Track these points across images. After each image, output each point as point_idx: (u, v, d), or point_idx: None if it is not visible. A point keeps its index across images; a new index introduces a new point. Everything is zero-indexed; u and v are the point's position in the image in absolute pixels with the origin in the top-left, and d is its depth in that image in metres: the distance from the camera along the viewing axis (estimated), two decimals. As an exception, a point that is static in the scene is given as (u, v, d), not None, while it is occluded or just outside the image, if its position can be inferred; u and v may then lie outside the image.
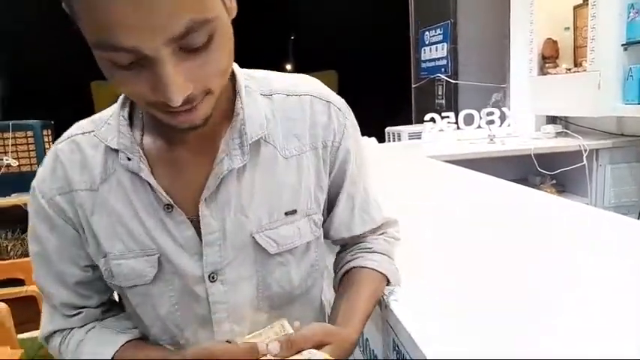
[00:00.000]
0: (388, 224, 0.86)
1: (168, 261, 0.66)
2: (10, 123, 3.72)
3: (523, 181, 2.89)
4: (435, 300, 0.83)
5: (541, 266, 0.96)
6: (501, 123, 3.25)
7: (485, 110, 3.23)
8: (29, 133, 3.75)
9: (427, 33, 4.57)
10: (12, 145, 3.72)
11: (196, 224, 0.66)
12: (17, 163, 3.72)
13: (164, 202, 0.64)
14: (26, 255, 3.96)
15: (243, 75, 0.69)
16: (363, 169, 0.79)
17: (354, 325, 0.69)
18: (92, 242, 0.67)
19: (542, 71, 3.16)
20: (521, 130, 3.30)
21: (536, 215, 1.38)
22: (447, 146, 3.05)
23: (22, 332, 2.14)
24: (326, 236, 0.81)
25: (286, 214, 0.69)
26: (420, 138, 3.43)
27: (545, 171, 2.91)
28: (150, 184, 0.64)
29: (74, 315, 0.73)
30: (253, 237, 0.67)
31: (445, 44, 4.25)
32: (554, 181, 2.98)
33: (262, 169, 0.68)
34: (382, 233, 0.84)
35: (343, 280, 0.80)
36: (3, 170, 3.69)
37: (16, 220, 4.08)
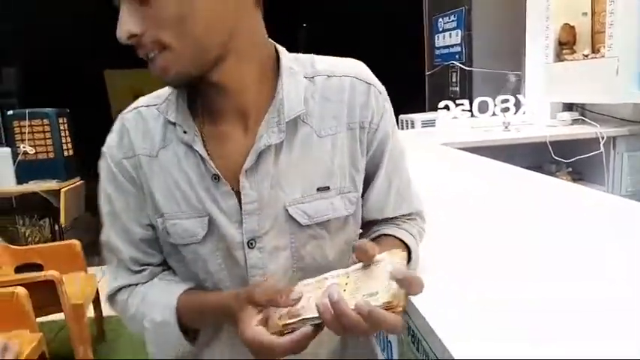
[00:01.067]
0: (421, 218, 0.87)
1: (215, 224, 0.72)
2: (27, 111, 3.76)
3: (538, 169, 2.86)
4: (452, 286, 0.82)
5: (558, 254, 0.95)
6: (516, 110, 3.21)
7: (500, 97, 3.20)
8: (45, 121, 3.79)
9: (441, 20, 4.52)
10: (28, 132, 3.76)
11: (238, 195, 0.72)
12: (34, 151, 3.77)
13: (212, 173, 0.71)
14: (44, 241, 4.03)
15: (290, 58, 0.74)
16: (402, 155, 0.81)
17: None
18: (150, 203, 0.75)
19: (559, 57, 3.11)
20: (536, 118, 3.26)
21: (553, 203, 1.37)
22: (461, 134, 3.03)
23: (41, 316, 2.17)
24: (363, 220, 0.82)
25: (319, 189, 0.73)
26: (433, 126, 3.41)
27: (561, 159, 2.88)
28: (201, 156, 0.71)
29: (139, 271, 0.79)
30: (287, 209, 0.72)
31: (459, 31, 4.19)
32: (569, 169, 2.95)
33: (298, 147, 0.72)
34: (411, 220, 0.84)
35: None
36: (20, 157, 3.75)
37: (34, 207, 4.15)
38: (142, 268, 0.79)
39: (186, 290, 0.76)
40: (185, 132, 0.71)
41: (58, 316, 2.37)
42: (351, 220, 0.78)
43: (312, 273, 0.68)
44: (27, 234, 4.29)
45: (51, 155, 3.83)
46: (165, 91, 0.76)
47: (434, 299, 0.75)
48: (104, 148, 0.77)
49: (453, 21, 4.29)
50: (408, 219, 0.84)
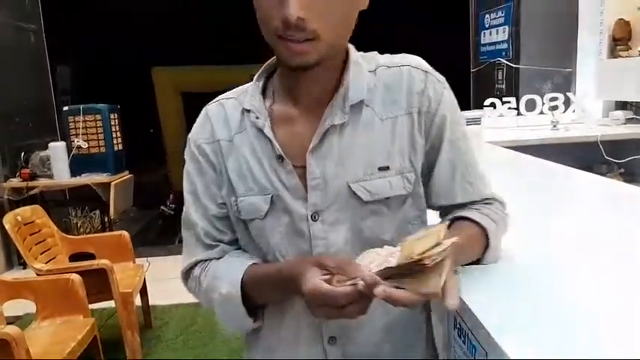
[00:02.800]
0: (501, 204, 0.87)
1: (280, 200, 0.80)
2: (81, 107, 3.92)
3: (587, 169, 2.76)
4: (502, 282, 0.80)
5: (615, 255, 0.92)
6: (565, 109, 3.12)
7: (548, 95, 3.11)
8: (97, 117, 3.93)
9: (487, 16, 4.42)
10: (82, 127, 3.92)
11: (301, 173, 0.79)
12: (87, 145, 3.93)
13: (277, 154, 0.79)
14: (94, 232, 4.20)
15: (357, 54, 0.82)
16: (466, 141, 0.84)
17: None
18: (227, 183, 0.84)
19: (613, 54, 3.00)
20: (587, 116, 3.15)
21: (608, 203, 1.33)
22: (507, 132, 2.97)
23: (91, 303, 2.27)
24: (427, 204, 0.86)
25: (380, 169, 0.79)
26: (479, 123, 3.35)
27: (613, 159, 2.77)
28: (269, 139, 0.79)
29: (212, 246, 0.87)
30: (349, 186, 0.78)
31: (506, 27, 4.10)
32: (621, 170, 2.84)
33: (361, 129, 0.79)
34: (489, 204, 0.85)
35: None
36: (74, 151, 3.91)
37: (86, 199, 4.32)
38: (215, 243, 0.87)
39: (253, 264, 0.82)
40: (257, 117, 0.80)
41: (108, 304, 2.47)
42: (409, 200, 0.83)
43: (371, 246, 0.73)
44: (78, 225, 4.48)
45: (102, 149, 3.98)
46: (245, 86, 0.86)
47: (483, 292, 0.75)
48: (189, 135, 0.88)
49: (500, 17, 4.19)
50: (487, 204, 0.85)
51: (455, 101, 0.83)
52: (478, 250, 0.82)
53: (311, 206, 0.79)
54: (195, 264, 0.88)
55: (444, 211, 0.88)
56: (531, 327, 0.67)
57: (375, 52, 0.85)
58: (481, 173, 0.86)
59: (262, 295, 0.83)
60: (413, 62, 0.82)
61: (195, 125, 0.88)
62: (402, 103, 0.80)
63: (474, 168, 0.85)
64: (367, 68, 0.81)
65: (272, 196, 0.80)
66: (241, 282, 0.80)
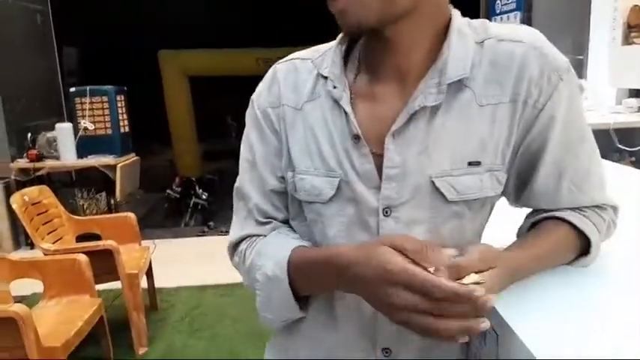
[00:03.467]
0: (608, 207, 0.75)
1: (348, 187, 0.69)
2: (88, 88, 3.91)
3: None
4: (528, 288, 0.72)
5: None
6: (577, 96, 3.07)
7: (560, 82, 3.06)
8: (104, 98, 3.92)
9: (499, 1, 4.35)
10: (89, 109, 3.91)
11: (377, 159, 0.67)
12: (93, 127, 3.93)
13: (353, 132, 0.68)
14: (101, 214, 4.21)
15: (462, 22, 0.68)
16: (583, 144, 0.70)
17: (516, 257, 0.65)
18: (286, 155, 0.74)
19: (627, 41, 2.95)
20: (599, 104, 3.11)
21: (626, 192, 1.30)
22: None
23: (98, 284, 2.28)
24: (525, 205, 0.76)
25: (469, 164, 0.66)
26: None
27: (625, 147, 2.74)
28: (346, 113, 0.68)
29: (264, 223, 0.78)
30: (432, 181, 0.66)
31: (518, 13, 4.03)
32: (633, 159, 2.80)
33: (456, 114, 0.66)
34: (599, 209, 0.74)
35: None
36: (80, 133, 3.91)
37: (92, 181, 4.33)
38: (267, 220, 0.78)
39: (301, 245, 0.72)
40: (335, 87, 0.69)
41: (114, 285, 2.48)
42: (489, 202, 0.71)
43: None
44: (85, 207, 4.49)
45: (109, 131, 3.98)
46: (323, 46, 0.75)
47: (510, 296, 0.67)
48: (253, 96, 0.78)
49: (511, 2, 4.12)
50: (597, 209, 0.73)
51: (574, 94, 0.68)
52: (571, 258, 0.73)
53: (383, 199, 0.67)
54: (244, 238, 0.79)
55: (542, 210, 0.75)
56: (539, 304, 0.65)
57: (486, 20, 0.70)
58: (597, 177, 0.72)
59: (309, 283, 0.71)
60: (533, 40, 0.65)
61: (260, 85, 0.78)
62: (508, 87, 0.65)
63: (587, 172, 0.71)
64: (474, 38, 0.66)
65: (340, 181, 0.69)
66: (288, 263, 0.70)
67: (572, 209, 0.72)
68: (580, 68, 3.41)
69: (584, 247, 0.71)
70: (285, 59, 0.77)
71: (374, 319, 0.71)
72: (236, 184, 0.80)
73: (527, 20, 3.94)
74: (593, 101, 3.12)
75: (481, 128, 0.65)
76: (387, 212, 0.68)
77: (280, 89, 0.74)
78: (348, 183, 0.69)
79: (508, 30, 0.67)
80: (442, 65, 0.65)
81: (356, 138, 0.68)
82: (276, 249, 0.72)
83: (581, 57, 3.43)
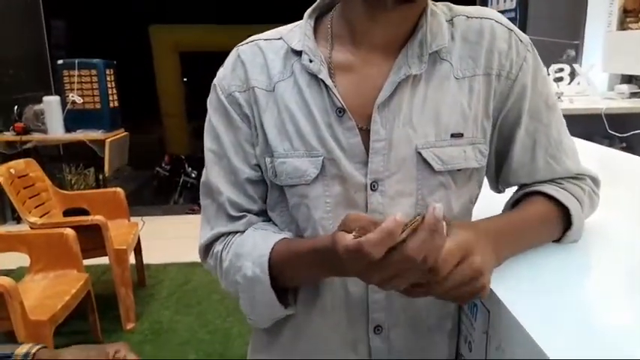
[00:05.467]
0: (594, 181, 0.77)
1: (333, 164, 0.67)
2: (76, 61, 3.83)
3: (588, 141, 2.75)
4: (517, 265, 0.71)
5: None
6: (571, 80, 3.07)
7: (554, 66, 3.05)
8: (93, 72, 3.85)
9: (496, -17, 4.31)
10: (77, 82, 3.84)
11: (362, 133, 0.66)
12: (82, 101, 3.86)
13: (337, 106, 0.66)
14: (89, 189, 4.17)
15: (430, 2, 0.70)
16: (553, 111, 0.72)
17: (492, 242, 0.60)
18: (261, 140, 0.70)
19: (622, 26, 2.94)
20: (591, 89, 3.11)
21: (616, 175, 1.30)
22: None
23: (85, 259, 2.27)
24: (506, 183, 0.76)
25: (452, 135, 0.67)
26: (481, 93, 3.30)
27: (616, 133, 2.75)
28: (326, 86, 0.66)
29: (238, 218, 0.73)
30: (419, 152, 0.66)
31: (515, -5, 3.99)
32: (623, 144, 2.82)
33: (435, 85, 0.67)
34: (577, 179, 0.75)
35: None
36: (68, 106, 3.84)
37: (80, 155, 4.27)
38: (241, 214, 0.73)
39: (282, 239, 0.69)
40: (311, 61, 0.67)
41: (102, 260, 2.47)
42: (476, 175, 0.72)
43: None
44: (72, 182, 4.45)
45: (97, 106, 3.91)
46: (287, 26, 0.73)
47: (511, 285, 0.66)
48: (215, 81, 0.73)
49: (508, -15, 4.09)
50: (574, 180, 0.74)
51: (540, 66, 0.71)
52: (555, 232, 0.72)
53: (372, 173, 0.66)
54: (217, 238, 0.74)
55: (522, 187, 0.76)
56: (535, 286, 0.65)
57: (447, 2, 0.72)
58: (569, 147, 0.74)
59: (294, 277, 0.69)
60: (496, 17, 0.69)
61: (222, 69, 0.73)
62: (481, 61, 0.67)
63: (559, 142, 0.73)
64: (443, 16, 0.69)
65: (323, 159, 0.67)
66: (269, 261, 0.67)
67: (550, 182, 0.73)
68: (576, 53, 3.40)
69: (566, 218, 0.71)
70: (246, 41, 0.73)
71: (363, 300, 0.71)
72: (202, 179, 0.75)
73: (523, 3, 3.91)
74: (586, 86, 3.11)
75: (460, 100, 0.67)
76: (374, 187, 0.67)
77: (247, 71, 0.70)
78: (333, 160, 0.67)
79: (473, 9, 0.71)
80: (422, 36, 0.66)
81: (340, 112, 0.66)
82: (255, 247, 0.69)
83: (577, 42, 3.42)
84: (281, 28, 0.73)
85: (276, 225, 0.74)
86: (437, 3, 0.71)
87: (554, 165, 0.73)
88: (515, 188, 0.79)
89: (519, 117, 0.70)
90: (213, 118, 0.73)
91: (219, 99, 0.71)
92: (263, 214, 0.75)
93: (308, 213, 0.69)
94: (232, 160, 0.72)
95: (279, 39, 0.71)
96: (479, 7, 0.72)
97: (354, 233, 0.53)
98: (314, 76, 0.67)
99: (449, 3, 0.72)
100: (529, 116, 0.70)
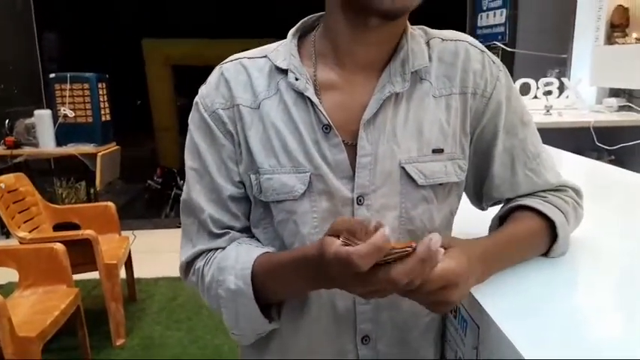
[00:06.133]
0: (577, 193, 0.79)
1: (320, 180, 0.68)
2: (68, 75, 3.82)
3: (578, 155, 2.77)
4: (507, 280, 0.71)
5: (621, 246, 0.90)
6: (559, 94, 3.10)
7: (543, 80, 3.09)
8: (85, 86, 3.84)
9: (485, -2, 4.37)
10: (69, 96, 3.83)
11: (348, 149, 0.68)
12: (74, 114, 3.84)
13: (323, 123, 0.68)
14: (80, 203, 4.14)
15: (409, 25, 0.73)
16: (528, 126, 0.75)
17: (474, 261, 0.62)
18: (246, 157, 0.70)
19: (610, 40, 2.98)
20: (580, 102, 3.15)
21: (605, 188, 1.32)
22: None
23: (76, 274, 2.24)
24: (489, 199, 0.78)
25: (434, 151, 0.70)
26: (471, 106, 3.32)
27: (604, 146, 2.78)
28: (312, 104, 0.68)
29: (220, 235, 0.73)
30: (402, 167, 0.69)
31: (504, 10, 4.05)
32: (612, 157, 2.84)
33: (416, 103, 0.70)
34: (559, 192, 0.77)
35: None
36: (60, 120, 3.83)
37: (72, 169, 4.25)
38: (223, 231, 0.73)
39: (264, 253, 0.69)
40: (297, 79, 0.68)
41: (92, 275, 2.44)
42: (456, 190, 0.74)
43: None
44: (64, 195, 4.42)
45: (89, 119, 3.89)
46: (271, 46, 0.74)
47: (500, 301, 0.67)
48: (197, 98, 0.73)
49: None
50: (556, 193, 0.77)
51: (512, 85, 0.75)
52: (542, 245, 0.74)
53: (358, 187, 0.68)
54: (199, 255, 0.74)
55: (507, 202, 0.78)
56: (524, 301, 0.66)
57: (423, 26, 0.76)
58: (547, 160, 0.77)
59: (278, 290, 0.69)
60: (469, 39, 0.73)
61: (205, 86, 0.73)
62: (457, 80, 0.71)
63: (537, 155, 0.76)
64: (420, 38, 0.72)
65: (310, 175, 0.68)
66: (252, 273, 0.67)
67: (534, 195, 0.76)
68: (564, 67, 3.44)
69: (552, 231, 0.73)
70: (229, 59, 0.74)
71: (350, 311, 0.72)
72: (183, 197, 0.75)
73: (513, 18, 3.96)
74: (575, 99, 3.15)
75: (439, 117, 0.70)
76: (360, 201, 0.68)
77: (232, 89, 0.71)
78: (320, 176, 0.68)
79: (447, 32, 0.75)
80: (404, 56, 0.69)
81: (326, 128, 0.68)
82: (238, 260, 0.68)
83: (564, 56, 3.47)
84: (264, 47, 0.74)
85: (259, 241, 0.74)
86: (413, 26, 0.74)
87: (534, 178, 0.75)
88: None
89: (496, 133, 0.73)
90: (195, 136, 0.72)
91: (201, 116, 0.72)
92: (246, 231, 0.75)
93: (296, 229, 0.70)
94: (215, 177, 0.72)
95: (262, 57, 0.72)
96: (452, 30, 0.76)
97: (341, 238, 0.54)
98: (300, 94, 0.68)
99: (424, 26, 0.75)
100: (505, 132, 0.73)
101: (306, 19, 0.74)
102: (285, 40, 0.73)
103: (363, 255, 0.50)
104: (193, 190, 0.73)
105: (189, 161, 0.73)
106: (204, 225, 0.73)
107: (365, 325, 0.73)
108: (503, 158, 0.74)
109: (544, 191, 0.76)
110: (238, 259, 0.69)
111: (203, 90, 0.73)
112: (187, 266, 0.76)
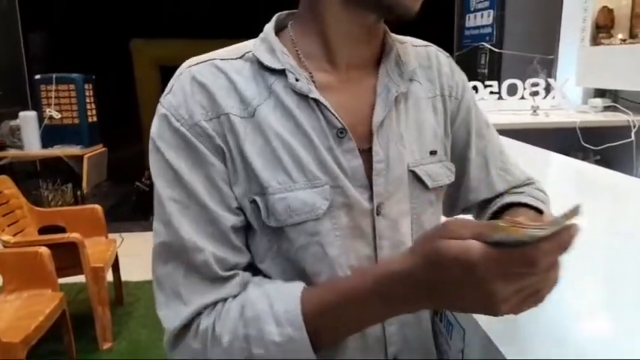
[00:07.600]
0: (534, 181, 0.82)
1: (339, 193, 0.59)
2: (54, 76, 3.78)
3: (564, 155, 2.80)
4: None
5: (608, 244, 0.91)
6: (546, 95, 3.13)
7: (530, 81, 3.11)
8: (71, 87, 3.80)
9: (473, -1, 4.40)
10: (55, 97, 3.79)
11: (361, 154, 0.61)
12: (60, 116, 3.80)
13: (337, 127, 0.59)
14: (66, 206, 4.09)
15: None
16: (490, 127, 0.79)
17: None
18: (243, 177, 0.58)
19: (595, 41, 3.01)
20: (566, 103, 3.17)
21: (590, 188, 1.33)
22: (488, 116, 2.96)
23: (61, 277, 2.22)
24: (466, 202, 0.78)
25: (430, 153, 0.68)
26: (459, 107, 3.34)
27: (590, 146, 2.80)
28: (320, 107, 0.59)
29: (228, 278, 0.58)
30: (412, 170, 0.65)
31: (492, 11, 4.08)
32: (598, 157, 2.87)
33: (413, 104, 0.68)
34: (530, 185, 0.80)
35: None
36: (46, 122, 3.78)
37: (58, 172, 4.20)
38: (231, 273, 0.58)
39: (305, 288, 0.56)
40: (297, 80, 0.59)
41: (78, 278, 2.41)
42: (442, 192, 0.72)
43: None
44: (50, 198, 4.36)
45: (76, 121, 3.85)
46: (240, 45, 0.64)
47: None
48: (165, 110, 0.59)
49: (485, 0, 4.17)
50: (528, 187, 0.79)
51: (471, 88, 0.78)
52: None
53: (377, 196, 0.61)
54: (201, 312, 0.57)
55: (482, 204, 0.78)
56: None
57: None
58: (510, 157, 0.80)
59: (341, 328, 0.56)
60: (433, 45, 0.75)
61: (171, 95, 0.60)
62: (437, 83, 0.71)
63: (503, 154, 0.79)
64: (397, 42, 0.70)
65: (329, 188, 0.58)
66: (302, 316, 0.53)
67: (511, 193, 0.77)
68: (550, 68, 3.46)
69: None
70: (197, 61, 0.61)
71: (380, 336, 0.65)
72: (162, 240, 0.58)
73: (500, 18, 3.99)
74: (561, 100, 3.17)
75: (431, 119, 0.70)
76: (379, 211, 0.61)
77: (212, 95, 0.58)
78: (340, 188, 0.59)
79: (410, 38, 0.74)
80: (395, 55, 0.67)
81: (341, 132, 0.59)
82: (273, 304, 0.54)
83: (551, 57, 3.49)
84: (235, 46, 0.64)
85: (269, 278, 0.61)
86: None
87: (506, 176, 0.78)
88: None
89: (469, 136, 0.75)
90: (169, 157, 0.58)
91: (177, 132, 0.58)
92: (250, 268, 0.61)
93: (322, 252, 0.59)
94: (208, 205, 0.57)
95: (238, 58, 0.62)
96: (416, 38, 0.76)
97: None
98: (303, 97, 0.59)
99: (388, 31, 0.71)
100: (476, 135, 0.76)
101: (280, 15, 0.66)
102: (259, 38, 0.64)
103: (548, 251, 0.43)
104: (180, 226, 0.57)
105: (165, 191, 0.58)
106: (204, 269, 0.57)
107: (395, 347, 0.66)
108: (478, 161, 0.76)
109: (517, 187, 0.78)
110: (272, 302, 0.54)
111: (170, 99, 0.59)
112: (182, 332, 0.58)
